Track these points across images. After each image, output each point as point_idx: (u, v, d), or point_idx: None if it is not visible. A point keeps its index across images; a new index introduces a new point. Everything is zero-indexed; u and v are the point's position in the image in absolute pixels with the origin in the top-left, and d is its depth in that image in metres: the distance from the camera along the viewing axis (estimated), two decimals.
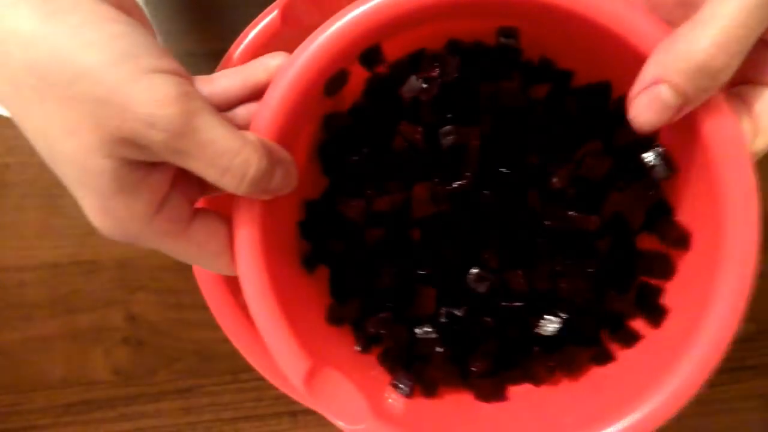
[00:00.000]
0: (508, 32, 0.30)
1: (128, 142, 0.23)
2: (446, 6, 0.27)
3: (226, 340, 0.39)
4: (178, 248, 0.26)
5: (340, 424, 0.28)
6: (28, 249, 0.49)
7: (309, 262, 0.34)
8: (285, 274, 0.31)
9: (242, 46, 0.40)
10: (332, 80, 0.29)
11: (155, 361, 0.48)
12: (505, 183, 0.30)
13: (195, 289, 0.39)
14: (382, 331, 0.33)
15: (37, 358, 0.48)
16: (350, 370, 0.30)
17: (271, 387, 0.38)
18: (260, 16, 0.40)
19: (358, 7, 0.28)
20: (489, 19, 0.30)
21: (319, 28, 0.28)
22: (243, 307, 0.40)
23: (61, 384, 0.48)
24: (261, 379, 0.38)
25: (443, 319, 0.32)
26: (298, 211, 0.34)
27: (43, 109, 0.24)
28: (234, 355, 0.39)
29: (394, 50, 0.31)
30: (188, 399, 0.48)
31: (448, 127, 0.30)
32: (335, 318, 0.33)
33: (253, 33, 0.40)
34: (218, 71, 0.40)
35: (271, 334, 0.28)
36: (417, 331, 0.32)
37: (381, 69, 0.31)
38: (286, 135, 0.28)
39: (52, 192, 0.49)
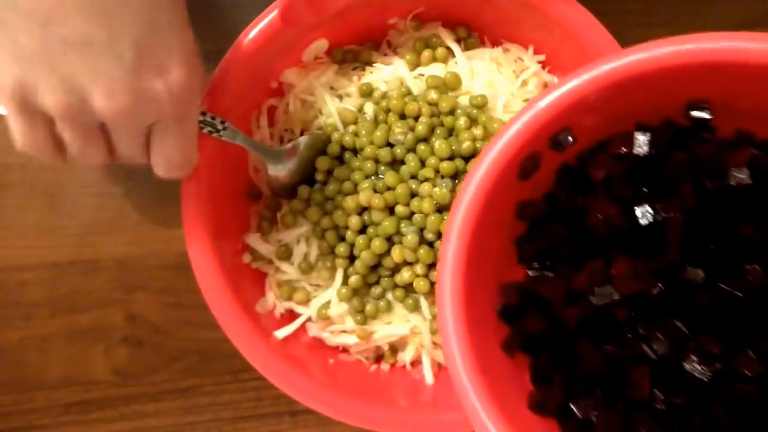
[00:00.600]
0: (699, 105, 0.29)
1: None
2: (633, 78, 0.27)
3: (226, 340, 0.39)
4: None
5: None
6: (28, 249, 0.49)
7: (508, 346, 0.32)
8: (490, 357, 0.30)
9: (242, 46, 0.40)
10: (525, 162, 0.29)
11: (155, 361, 0.48)
12: (714, 258, 0.28)
13: (195, 289, 0.39)
14: (593, 416, 0.29)
15: (37, 357, 0.48)
16: None
17: (271, 387, 0.38)
18: (260, 16, 0.40)
19: (550, 92, 0.29)
20: (678, 91, 0.28)
21: (514, 116, 0.29)
22: (243, 307, 0.40)
23: (61, 384, 0.48)
24: (261, 378, 0.38)
25: (660, 406, 0.28)
26: (496, 295, 0.33)
27: None
28: (234, 355, 0.39)
29: (582, 137, 0.30)
30: (188, 399, 0.48)
31: (644, 205, 0.28)
32: (538, 404, 0.31)
33: (253, 33, 0.40)
34: (218, 71, 0.40)
35: (480, 420, 0.27)
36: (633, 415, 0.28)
37: (570, 157, 0.31)
38: (485, 219, 0.29)
39: (52, 192, 0.49)
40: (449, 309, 0.28)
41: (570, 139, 0.29)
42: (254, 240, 0.43)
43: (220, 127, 0.39)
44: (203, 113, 0.38)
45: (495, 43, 0.45)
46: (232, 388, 0.48)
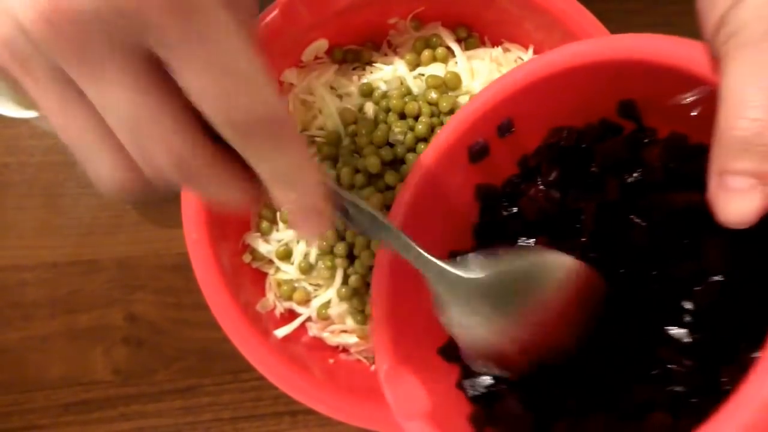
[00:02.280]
0: (627, 105, 0.30)
1: None
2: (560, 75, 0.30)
3: (226, 340, 0.39)
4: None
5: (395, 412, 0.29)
6: (28, 249, 0.49)
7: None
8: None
9: None
10: (473, 147, 0.34)
11: (155, 361, 0.48)
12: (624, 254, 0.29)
13: (195, 289, 0.39)
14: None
15: (37, 357, 0.48)
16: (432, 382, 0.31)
17: (271, 387, 0.38)
18: (260, 16, 0.40)
19: (491, 86, 0.33)
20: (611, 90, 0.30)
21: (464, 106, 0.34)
22: (243, 307, 0.40)
23: (61, 384, 0.48)
24: (261, 378, 0.38)
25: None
26: None
27: None
28: (234, 355, 0.39)
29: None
30: (188, 399, 0.48)
31: (569, 192, 0.31)
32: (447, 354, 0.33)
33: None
34: None
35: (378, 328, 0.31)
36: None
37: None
38: (430, 197, 0.33)
39: (52, 192, 0.49)
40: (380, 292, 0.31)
41: (512, 128, 0.33)
42: (254, 239, 0.43)
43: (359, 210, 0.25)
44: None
45: (495, 43, 0.45)
46: (232, 388, 0.48)
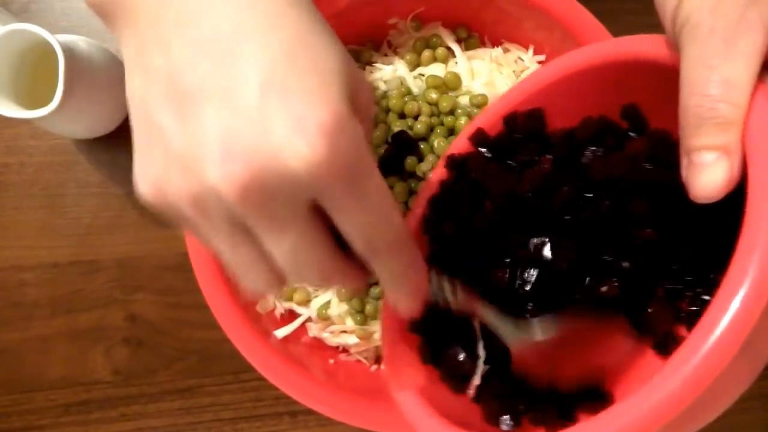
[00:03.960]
0: (629, 107, 0.32)
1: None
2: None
3: (226, 340, 0.39)
4: (370, 171, 0.23)
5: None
6: (28, 249, 0.49)
7: None
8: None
9: None
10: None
11: (155, 361, 0.48)
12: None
13: (195, 289, 0.39)
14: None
15: (37, 358, 0.48)
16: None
17: (271, 387, 0.38)
18: None
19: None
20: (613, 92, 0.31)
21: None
22: (243, 307, 0.40)
23: (61, 384, 0.48)
24: (261, 379, 0.38)
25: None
26: None
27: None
28: (234, 355, 0.39)
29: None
30: (188, 399, 0.48)
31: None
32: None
33: None
34: None
35: None
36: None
37: None
38: None
39: (52, 192, 0.49)
40: None
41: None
42: None
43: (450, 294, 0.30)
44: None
45: (495, 43, 0.45)
46: (232, 388, 0.48)
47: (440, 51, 0.43)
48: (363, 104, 0.24)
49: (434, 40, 0.44)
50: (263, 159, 0.20)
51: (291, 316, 0.44)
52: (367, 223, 0.23)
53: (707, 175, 0.22)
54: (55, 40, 0.39)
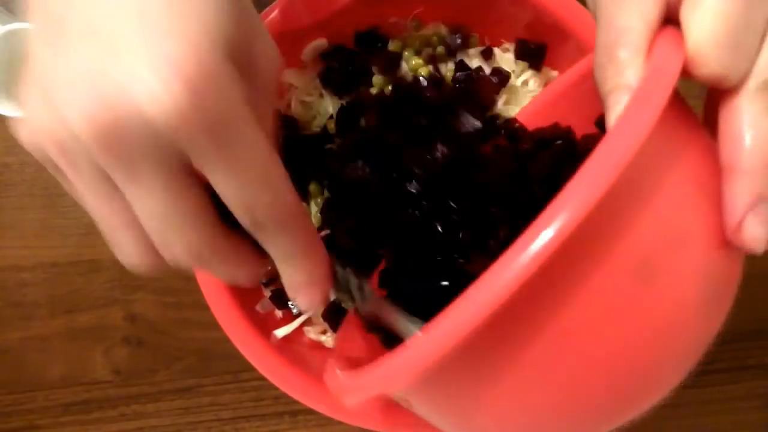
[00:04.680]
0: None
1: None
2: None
3: (226, 340, 0.39)
4: (258, 142, 0.21)
5: None
6: (28, 249, 0.49)
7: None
8: None
9: None
10: None
11: (155, 361, 0.48)
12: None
13: (195, 289, 0.39)
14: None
15: (37, 357, 0.48)
16: None
17: (271, 387, 0.38)
18: (260, 16, 0.40)
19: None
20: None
21: None
22: (243, 307, 0.40)
23: (61, 384, 0.48)
24: (261, 378, 0.38)
25: None
26: None
27: None
28: (234, 354, 0.39)
29: None
30: (188, 399, 0.48)
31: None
32: None
33: None
34: None
35: None
36: None
37: None
38: None
39: (52, 192, 0.49)
40: None
41: None
42: None
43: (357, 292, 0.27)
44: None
45: (495, 43, 0.45)
46: (232, 388, 0.48)
47: (440, 51, 0.43)
48: (260, 71, 0.22)
49: (434, 39, 0.44)
50: (120, 100, 0.19)
51: (291, 316, 0.44)
52: (243, 189, 0.21)
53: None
54: None
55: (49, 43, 0.21)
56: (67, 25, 0.20)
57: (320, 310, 0.40)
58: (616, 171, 0.18)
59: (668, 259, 0.20)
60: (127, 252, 0.23)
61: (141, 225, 0.21)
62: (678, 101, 0.22)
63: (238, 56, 0.21)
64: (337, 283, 0.26)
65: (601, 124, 0.31)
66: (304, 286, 0.24)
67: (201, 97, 0.19)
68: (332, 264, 0.25)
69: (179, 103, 0.18)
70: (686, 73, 0.21)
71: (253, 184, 0.21)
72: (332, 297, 0.26)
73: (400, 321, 0.26)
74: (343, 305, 0.28)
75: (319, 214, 0.40)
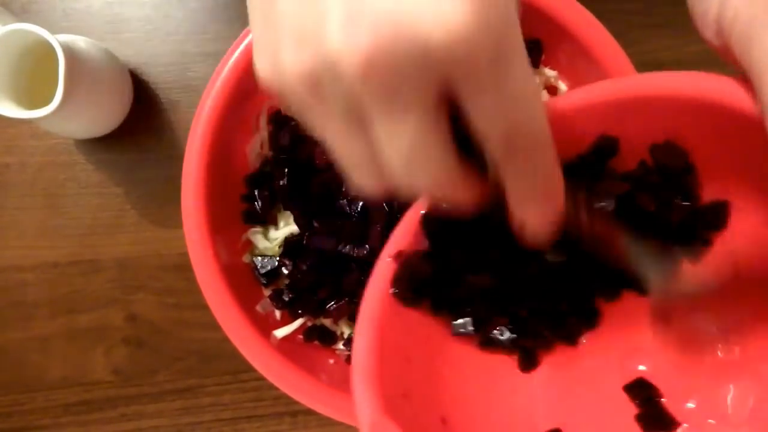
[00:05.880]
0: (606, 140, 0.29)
1: None
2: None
3: (226, 340, 0.39)
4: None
5: None
6: (28, 249, 0.49)
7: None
8: None
9: (241, 47, 0.40)
10: None
11: (155, 361, 0.48)
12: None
13: (195, 289, 0.39)
14: None
15: (37, 358, 0.48)
16: None
17: (271, 387, 0.38)
18: None
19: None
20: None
21: None
22: (243, 307, 0.40)
23: (61, 384, 0.48)
24: (261, 379, 0.38)
25: None
26: None
27: None
28: (234, 355, 0.39)
29: None
30: (188, 399, 0.48)
31: None
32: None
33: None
34: (217, 71, 0.40)
35: None
36: None
37: None
38: None
39: (52, 192, 0.49)
40: None
41: None
42: (254, 235, 0.43)
43: None
44: None
45: None
46: (232, 388, 0.48)
47: None
48: None
49: None
50: (397, 25, 0.17)
51: (291, 316, 0.44)
52: (508, 114, 0.19)
53: None
54: (55, 40, 0.39)
55: None
56: None
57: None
58: None
59: None
60: (365, 183, 0.22)
61: (382, 159, 0.20)
62: None
63: None
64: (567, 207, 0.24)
65: (656, 151, 0.28)
66: (541, 211, 0.23)
67: (487, 18, 0.17)
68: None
69: (467, 25, 0.17)
70: None
71: (520, 111, 0.20)
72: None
73: (632, 247, 0.26)
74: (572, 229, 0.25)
75: None
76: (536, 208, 0.23)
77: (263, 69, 0.21)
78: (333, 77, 0.19)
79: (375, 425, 0.27)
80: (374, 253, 0.38)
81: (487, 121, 0.20)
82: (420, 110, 0.19)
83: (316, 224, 0.40)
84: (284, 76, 0.20)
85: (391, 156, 0.20)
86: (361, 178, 0.22)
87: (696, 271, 0.27)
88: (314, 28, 0.18)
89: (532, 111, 0.20)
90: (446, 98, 0.19)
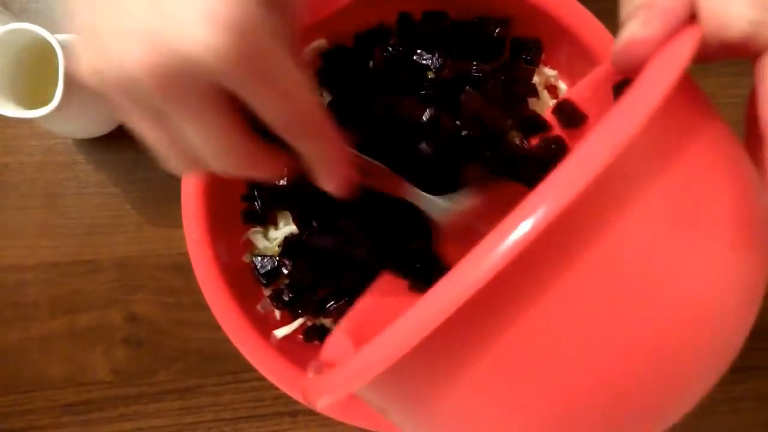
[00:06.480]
0: None
1: None
2: None
3: (226, 340, 0.39)
4: (281, 61, 0.24)
5: None
6: (28, 249, 0.49)
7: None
8: None
9: None
10: None
11: (155, 361, 0.48)
12: None
13: (195, 289, 0.39)
14: None
15: (37, 358, 0.48)
16: None
17: (271, 387, 0.38)
18: None
19: None
20: None
21: None
22: (243, 307, 0.40)
23: (60, 384, 0.48)
24: (261, 379, 0.38)
25: None
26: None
27: None
28: (234, 355, 0.39)
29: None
30: (188, 399, 0.48)
31: None
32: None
33: None
34: None
35: None
36: None
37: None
38: None
39: (52, 192, 0.49)
40: None
41: None
42: (254, 234, 0.43)
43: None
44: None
45: None
46: (233, 388, 0.48)
47: None
48: (287, 3, 0.26)
49: None
50: (166, 45, 0.21)
51: (291, 316, 0.44)
52: (280, 110, 0.24)
53: None
54: (55, 40, 0.39)
55: None
56: None
57: None
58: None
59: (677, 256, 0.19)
60: (174, 164, 0.26)
61: (186, 143, 0.25)
62: (689, 84, 0.22)
63: None
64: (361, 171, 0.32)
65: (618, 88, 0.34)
66: (334, 177, 0.28)
67: (240, 40, 0.21)
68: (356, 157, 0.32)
69: (223, 48, 0.21)
70: (713, 50, 0.21)
71: (291, 107, 0.24)
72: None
73: (419, 196, 0.35)
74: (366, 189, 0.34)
75: None
76: (329, 173, 0.28)
77: (84, 69, 0.24)
78: (136, 87, 0.23)
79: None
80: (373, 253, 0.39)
81: (266, 116, 0.24)
82: (208, 109, 0.23)
83: (314, 224, 0.40)
84: (97, 77, 0.23)
85: (197, 147, 0.24)
86: (176, 165, 0.26)
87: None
88: (119, 43, 0.22)
89: (303, 107, 0.25)
90: (233, 96, 0.23)
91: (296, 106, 0.25)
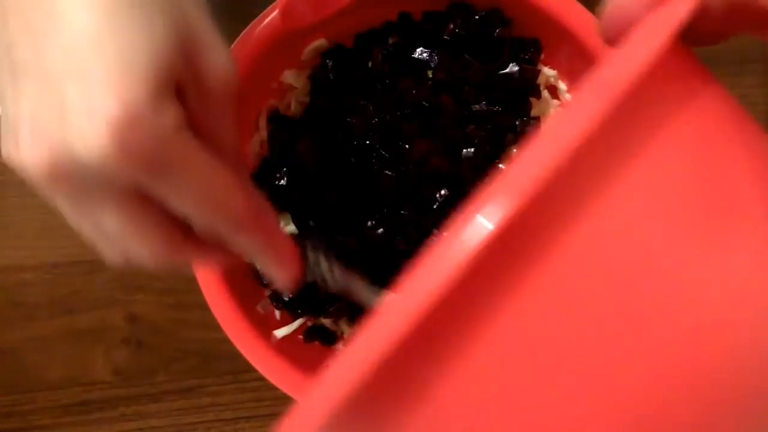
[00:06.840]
0: None
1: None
2: None
3: (226, 340, 0.39)
4: (198, 169, 0.22)
5: None
6: (28, 249, 0.49)
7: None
8: None
9: (242, 47, 0.40)
10: None
11: (155, 361, 0.48)
12: None
13: (195, 289, 0.39)
14: None
15: (37, 358, 0.48)
16: None
17: (272, 387, 0.38)
18: (260, 16, 0.40)
19: None
20: None
21: None
22: (243, 307, 0.40)
23: (61, 384, 0.48)
24: (262, 379, 0.38)
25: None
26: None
27: None
28: (234, 355, 0.39)
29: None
30: (189, 399, 0.48)
31: None
32: None
33: (253, 33, 0.40)
34: None
35: None
36: None
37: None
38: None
39: None
40: None
41: None
42: None
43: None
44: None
45: None
46: (233, 388, 0.48)
47: None
48: (210, 83, 0.23)
49: None
50: (60, 146, 0.21)
51: (291, 316, 0.44)
52: (191, 207, 0.22)
53: None
54: None
55: (8, 78, 0.22)
56: (19, 66, 0.21)
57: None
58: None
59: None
60: (107, 256, 0.26)
61: (109, 235, 0.24)
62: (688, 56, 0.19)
63: (179, 76, 0.22)
64: (309, 266, 0.29)
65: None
66: (274, 272, 0.27)
67: (130, 144, 0.20)
68: (302, 249, 0.29)
69: (111, 151, 0.20)
70: (717, 15, 0.19)
71: (199, 201, 0.22)
72: (308, 279, 0.30)
73: (364, 292, 0.31)
74: (318, 285, 0.31)
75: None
76: (270, 268, 0.27)
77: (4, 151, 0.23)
78: (35, 181, 0.22)
79: None
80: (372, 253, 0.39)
81: (180, 211, 0.23)
82: (114, 203, 0.22)
83: (312, 224, 0.40)
84: (12, 165, 0.23)
85: (114, 239, 0.23)
86: (104, 252, 0.25)
87: None
88: (15, 134, 0.22)
89: (216, 200, 0.23)
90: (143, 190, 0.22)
91: (209, 203, 0.23)
